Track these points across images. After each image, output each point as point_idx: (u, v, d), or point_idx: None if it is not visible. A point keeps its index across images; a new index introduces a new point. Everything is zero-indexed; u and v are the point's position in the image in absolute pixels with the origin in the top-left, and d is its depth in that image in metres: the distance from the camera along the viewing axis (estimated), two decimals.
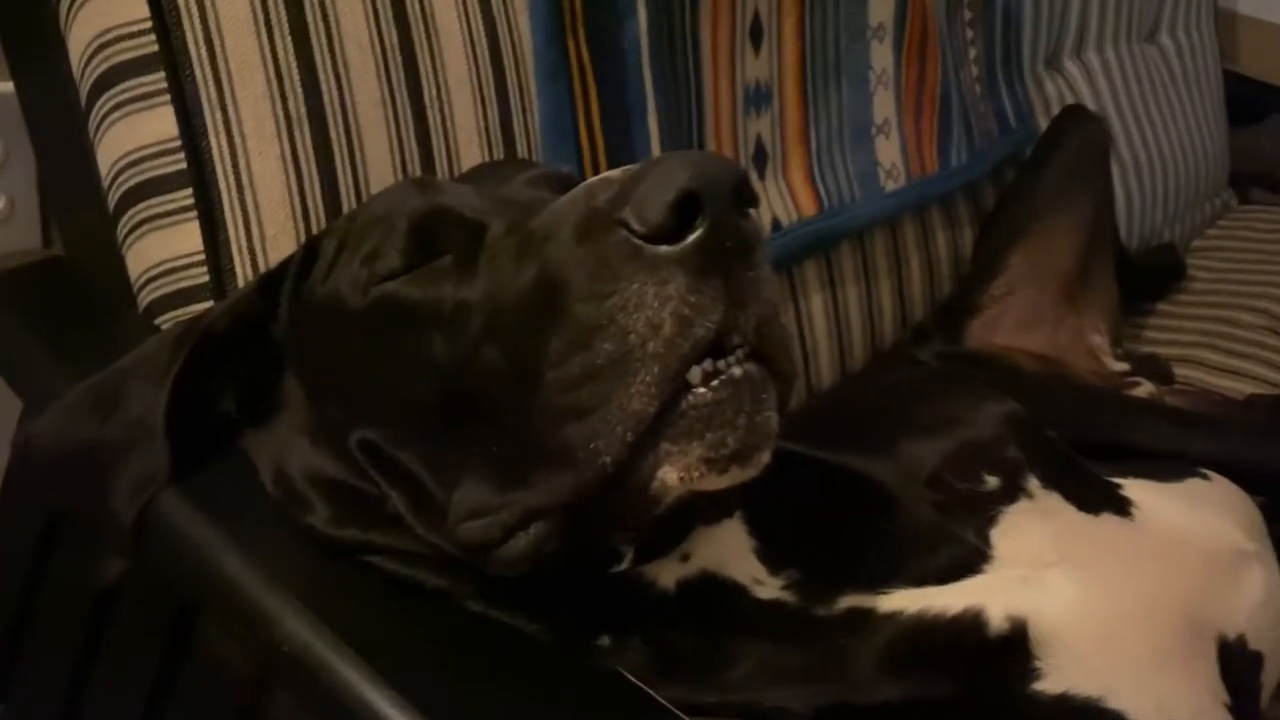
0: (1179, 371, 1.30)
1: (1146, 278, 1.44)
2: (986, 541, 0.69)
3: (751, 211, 0.54)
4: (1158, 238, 1.55)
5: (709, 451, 0.53)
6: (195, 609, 0.69)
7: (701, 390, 0.53)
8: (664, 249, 0.52)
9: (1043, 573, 0.67)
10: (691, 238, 0.52)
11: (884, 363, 1.15)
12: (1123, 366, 1.23)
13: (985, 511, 0.70)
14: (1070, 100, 1.43)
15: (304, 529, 0.65)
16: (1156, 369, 1.25)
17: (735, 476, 0.55)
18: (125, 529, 0.65)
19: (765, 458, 0.56)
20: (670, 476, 0.54)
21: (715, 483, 0.55)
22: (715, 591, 0.65)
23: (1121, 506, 0.73)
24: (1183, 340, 1.37)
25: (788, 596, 0.66)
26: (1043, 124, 1.34)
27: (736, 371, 0.54)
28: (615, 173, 0.55)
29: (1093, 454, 0.79)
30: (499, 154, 0.89)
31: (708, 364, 0.53)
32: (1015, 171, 1.31)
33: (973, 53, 1.27)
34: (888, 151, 1.15)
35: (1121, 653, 0.64)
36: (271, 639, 0.61)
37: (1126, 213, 1.47)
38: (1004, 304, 1.18)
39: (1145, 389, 1.18)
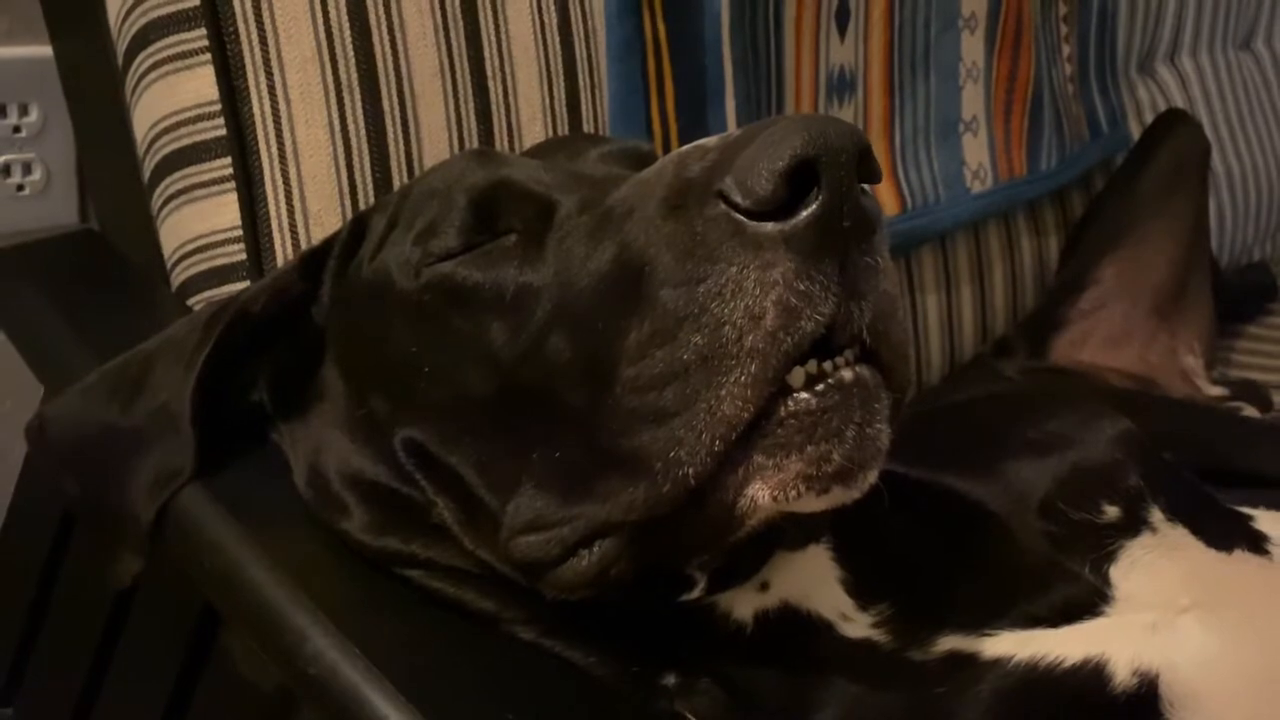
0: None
1: (1236, 297, 1.39)
2: (1106, 580, 0.61)
3: (869, 189, 0.46)
4: (1247, 255, 1.52)
5: (809, 468, 0.47)
6: (217, 617, 0.64)
7: (804, 395, 0.47)
8: (770, 226, 0.45)
9: (1174, 619, 0.59)
10: (804, 214, 0.45)
11: (965, 377, 1.08)
12: (1220, 391, 1.16)
13: (1104, 545, 0.62)
14: (1163, 106, 1.40)
15: (338, 535, 0.61)
16: (1255, 394, 1.18)
17: (836, 498, 0.48)
18: (143, 527, 0.61)
19: (872, 477, 0.49)
20: (761, 495, 0.47)
21: (812, 504, 0.48)
22: (796, 627, 0.59)
23: (1256, 542, 0.65)
24: (1273, 365, 1.32)
25: (878, 635, 0.59)
26: (1134, 130, 1.31)
27: (846, 375, 0.47)
28: (710, 140, 0.48)
29: (1210, 479, 0.71)
30: (564, 132, 0.85)
31: (812, 365, 0.47)
32: (1105, 179, 1.27)
33: (1066, 50, 1.21)
34: (975, 150, 1.09)
35: (1265, 717, 0.56)
36: (297, 658, 0.56)
37: (1217, 227, 1.43)
38: (1093, 319, 1.14)
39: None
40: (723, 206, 0.46)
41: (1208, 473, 0.72)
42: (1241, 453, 0.79)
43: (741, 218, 0.46)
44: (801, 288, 0.45)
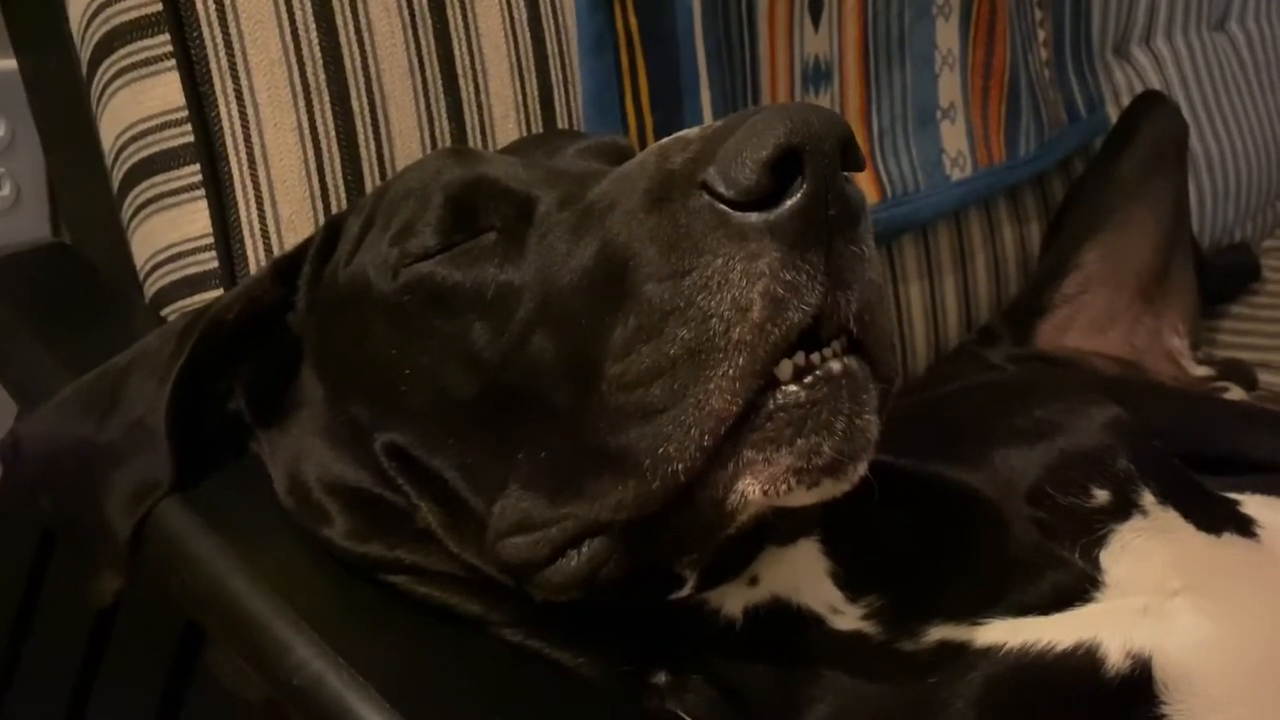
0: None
1: (1219, 278, 1.39)
2: (1096, 565, 0.61)
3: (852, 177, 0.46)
4: (1228, 236, 1.52)
5: (799, 461, 0.46)
6: (201, 632, 0.64)
7: (793, 388, 0.46)
8: (755, 217, 0.45)
9: (1165, 602, 0.58)
10: (789, 203, 0.45)
11: (951, 366, 1.08)
12: (1205, 371, 1.16)
13: (1093, 530, 0.62)
14: (1139, 89, 1.39)
15: (321, 543, 0.60)
16: (1241, 373, 1.18)
17: (827, 490, 0.48)
18: (121, 543, 0.60)
19: (862, 469, 0.49)
20: (751, 489, 0.47)
21: (803, 498, 0.48)
22: (786, 621, 0.58)
23: (1244, 526, 0.64)
24: (1258, 344, 1.32)
25: (869, 627, 0.59)
26: (1112, 114, 1.30)
27: (835, 366, 0.47)
28: (692, 131, 0.48)
29: (1196, 466, 0.71)
30: (538, 129, 0.83)
31: (800, 357, 0.46)
32: (1085, 163, 1.27)
33: (1041, 35, 1.21)
34: (954, 138, 1.09)
35: (1263, 700, 0.56)
36: (281, 669, 0.55)
37: (1197, 209, 1.43)
38: (1077, 304, 1.13)
39: (1233, 395, 1.10)
40: (706, 198, 0.45)
41: (1194, 458, 0.71)
42: (1227, 438, 0.78)
43: (726, 208, 0.45)
44: (788, 278, 0.45)
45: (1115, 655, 0.56)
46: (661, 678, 0.56)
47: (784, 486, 0.46)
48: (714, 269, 0.45)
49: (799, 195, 0.45)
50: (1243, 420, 0.86)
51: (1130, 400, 0.71)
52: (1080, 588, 0.60)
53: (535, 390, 0.50)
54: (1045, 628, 0.58)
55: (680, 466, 0.46)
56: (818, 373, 0.46)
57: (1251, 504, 0.67)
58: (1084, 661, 0.56)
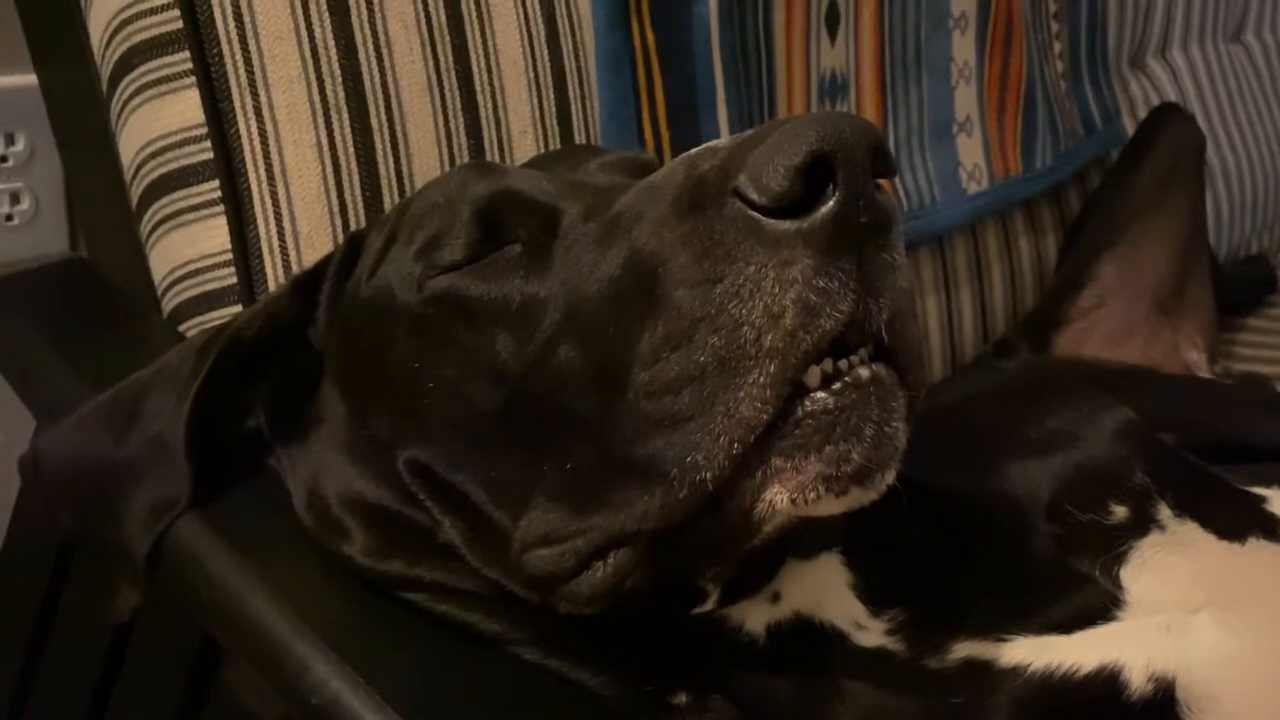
0: None
1: (1237, 290, 1.38)
2: (1117, 583, 0.60)
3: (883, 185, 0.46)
4: (1245, 248, 1.51)
5: (828, 469, 0.46)
6: (218, 649, 0.63)
7: (822, 395, 0.46)
8: (787, 224, 0.44)
9: (1188, 619, 0.58)
10: (821, 210, 0.44)
11: (965, 378, 1.07)
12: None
13: (1114, 547, 0.61)
14: (1155, 100, 1.38)
15: (340, 561, 0.59)
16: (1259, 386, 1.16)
17: (855, 499, 0.48)
18: (139, 559, 0.60)
19: (890, 477, 0.48)
20: (779, 498, 0.47)
21: (831, 506, 0.47)
22: (809, 638, 0.58)
23: (1270, 526, 0.63)
24: (1276, 356, 1.30)
25: (893, 644, 0.58)
26: (1128, 126, 1.30)
27: (863, 373, 0.46)
28: (720, 141, 0.48)
29: (1216, 458, 0.70)
30: (555, 146, 0.83)
31: (827, 364, 0.46)
32: (1101, 175, 1.26)
33: (1058, 47, 1.20)
34: (970, 151, 1.09)
35: None
36: (299, 688, 0.55)
37: (1213, 221, 1.42)
38: (1094, 316, 1.13)
39: None
40: (739, 205, 0.45)
41: (1212, 450, 0.70)
42: (1246, 425, 0.77)
43: (758, 215, 0.45)
44: (821, 285, 0.44)
45: (1138, 679, 0.55)
46: (682, 698, 0.56)
47: (812, 495, 0.46)
48: (746, 276, 0.45)
49: (831, 202, 0.44)
50: (1261, 408, 0.85)
51: (1140, 391, 0.70)
52: (1102, 606, 0.59)
53: (561, 401, 0.50)
54: (1068, 647, 0.57)
55: (708, 475, 0.45)
56: (846, 379, 0.46)
57: (1278, 499, 0.66)
58: (1107, 686, 0.55)
